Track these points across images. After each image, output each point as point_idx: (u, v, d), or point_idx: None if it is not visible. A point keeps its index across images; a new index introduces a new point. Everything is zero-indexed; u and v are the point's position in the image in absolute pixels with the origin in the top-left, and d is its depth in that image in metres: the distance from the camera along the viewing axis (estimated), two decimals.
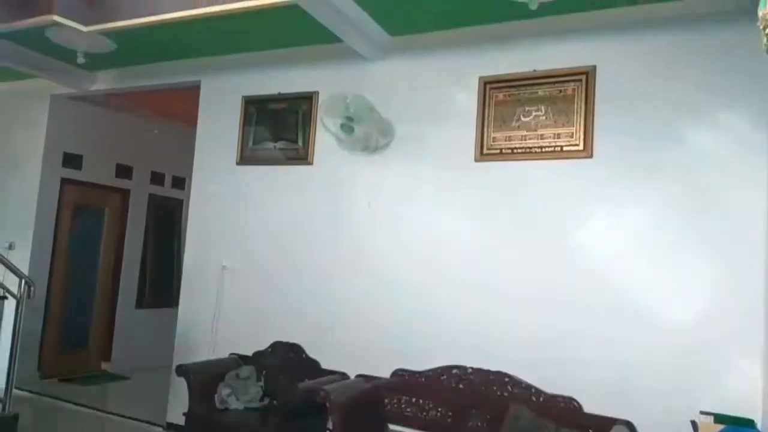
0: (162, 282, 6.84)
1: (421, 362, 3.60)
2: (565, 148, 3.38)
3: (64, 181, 5.89)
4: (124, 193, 6.57)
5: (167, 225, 6.98)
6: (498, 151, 3.59)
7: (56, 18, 3.75)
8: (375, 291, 3.86)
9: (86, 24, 3.89)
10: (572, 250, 3.31)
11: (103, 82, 5.29)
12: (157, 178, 6.89)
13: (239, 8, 3.35)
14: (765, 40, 1.67)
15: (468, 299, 3.56)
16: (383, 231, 3.91)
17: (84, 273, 6.24)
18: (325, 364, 3.94)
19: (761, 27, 1.63)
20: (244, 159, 4.53)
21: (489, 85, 3.66)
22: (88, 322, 6.34)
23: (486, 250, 3.55)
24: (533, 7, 2.96)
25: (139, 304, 6.70)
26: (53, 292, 5.86)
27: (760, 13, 1.65)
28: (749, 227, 2.92)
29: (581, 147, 3.32)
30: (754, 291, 2.86)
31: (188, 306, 4.61)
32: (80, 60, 4.46)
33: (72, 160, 5.94)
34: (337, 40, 3.81)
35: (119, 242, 6.55)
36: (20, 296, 3.72)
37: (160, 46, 4.45)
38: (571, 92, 3.38)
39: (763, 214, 2.89)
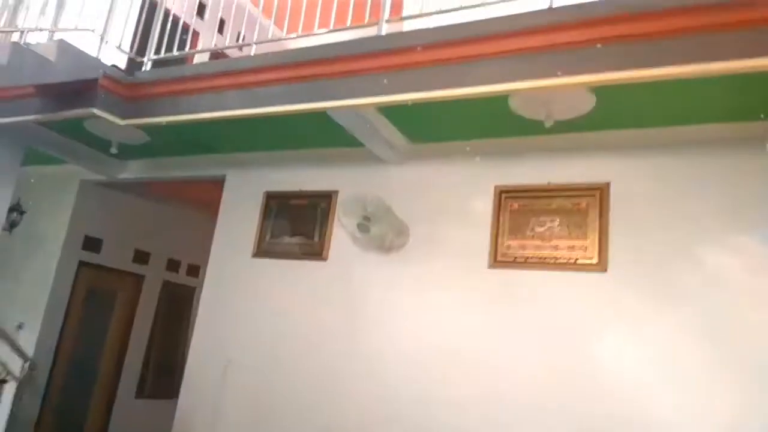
0: (165, 372, 6.69)
1: None
2: (579, 261, 3.39)
3: (82, 264, 5.96)
4: (139, 279, 6.60)
5: (177, 313, 6.94)
6: (512, 259, 3.60)
7: (96, 111, 3.97)
8: (383, 398, 3.73)
9: (123, 118, 4.10)
10: (585, 367, 3.23)
11: (132, 170, 5.50)
12: (172, 265, 6.95)
13: (270, 113, 3.53)
14: None
15: (476, 408, 3.42)
16: (394, 333, 3.85)
17: (88, 358, 6.14)
18: None
19: None
20: (260, 252, 4.59)
21: (504, 194, 3.75)
22: (86, 408, 6.14)
23: (497, 360, 3.47)
24: (548, 125, 3.10)
25: (140, 393, 6.52)
26: (55, 375, 5.74)
27: None
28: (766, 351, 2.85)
29: (596, 261, 3.33)
30: None
31: (188, 400, 4.48)
32: (113, 150, 4.67)
33: (92, 244, 6.05)
34: (360, 144, 3.97)
35: (127, 328, 6.49)
36: (21, 379, 3.66)
37: (191, 141, 4.66)
38: (585, 206, 3.45)
39: None
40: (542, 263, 3.49)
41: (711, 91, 2.80)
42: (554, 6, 2.81)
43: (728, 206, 3.11)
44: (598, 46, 2.55)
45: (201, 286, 4.97)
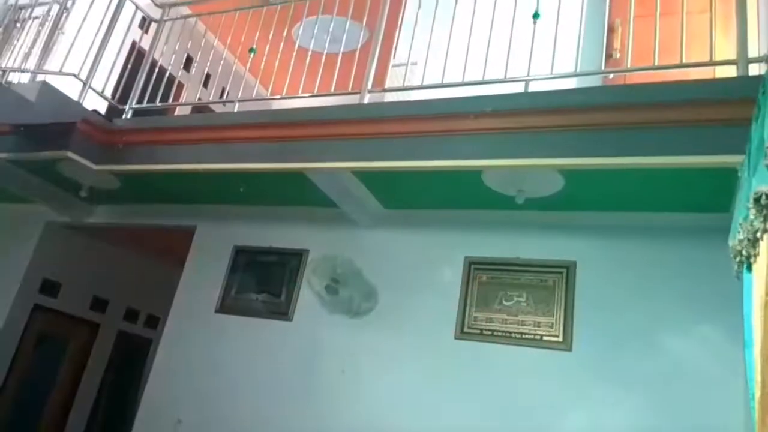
0: (113, 428, 6.34)
1: None
2: (544, 338, 3.40)
3: (36, 308, 5.69)
4: (94, 327, 6.31)
5: (131, 366, 6.64)
6: (478, 331, 3.60)
7: (70, 155, 3.94)
8: None
9: (97, 163, 4.07)
10: None
11: (100, 215, 5.39)
12: (130, 315, 6.68)
13: (248, 169, 3.55)
14: (735, 267, 1.82)
15: None
16: (356, 400, 3.75)
17: (32, 409, 5.77)
18: None
19: (732, 256, 1.78)
20: (224, 307, 4.48)
21: (473, 266, 3.78)
22: None
23: None
24: (519, 201, 3.18)
25: None
26: None
27: (730, 243, 1.81)
28: None
29: (561, 339, 3.35)
30: None
31: None
32: (83, 193, 4.60)
33: (50, 288, 5.80)
34: (334, 205, 4.00)
35: (76, 379, 6.15)
36: None
37: (163, 190, 4.62)
38: (552, 284, 3.49)
39: (738, 424, 2.84)
40: (508, 337, 3.49)
41: (674, 182, 2.93)
42: (529, 90, 2.94)
43: (689, 293, 3.18)
44: (568, 131, 2.67)
45: (159, 338, 4.80)
